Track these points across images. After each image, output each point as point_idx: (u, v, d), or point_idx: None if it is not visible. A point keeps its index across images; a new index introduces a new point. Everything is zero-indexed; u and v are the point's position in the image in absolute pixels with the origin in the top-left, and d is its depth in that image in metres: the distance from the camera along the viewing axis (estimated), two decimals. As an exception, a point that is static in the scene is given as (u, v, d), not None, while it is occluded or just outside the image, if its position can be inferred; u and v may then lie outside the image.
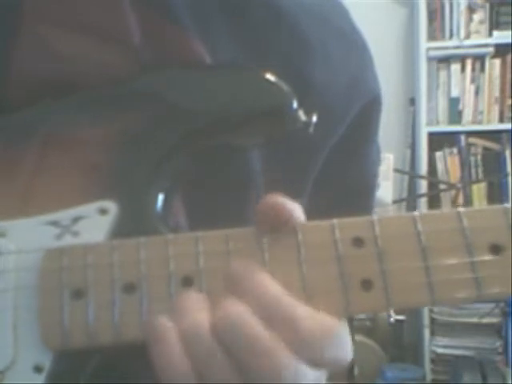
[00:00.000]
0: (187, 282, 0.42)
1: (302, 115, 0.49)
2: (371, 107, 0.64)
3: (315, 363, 0.39)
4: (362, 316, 2.98)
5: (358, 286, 0.41)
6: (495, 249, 0.41)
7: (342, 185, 0.64)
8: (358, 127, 0.62)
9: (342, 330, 0.40)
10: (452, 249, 0.41)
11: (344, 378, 2.60)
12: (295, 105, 0.48)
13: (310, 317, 0.39)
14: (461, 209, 0.42)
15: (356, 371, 2.57)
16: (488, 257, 0.40)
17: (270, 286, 0.40)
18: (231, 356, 0.38)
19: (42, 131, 0.49)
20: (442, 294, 0.40)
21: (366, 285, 0.41)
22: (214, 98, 0.49)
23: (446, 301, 0.41)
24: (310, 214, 0.44)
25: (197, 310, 0.40)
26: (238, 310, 0.39)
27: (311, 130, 0.50)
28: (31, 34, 0.50)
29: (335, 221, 0.42)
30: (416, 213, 0.42)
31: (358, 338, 2.78)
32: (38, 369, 0.42)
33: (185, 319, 0.39)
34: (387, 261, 0.41)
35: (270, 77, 0.49)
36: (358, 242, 0.42)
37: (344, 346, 0.40)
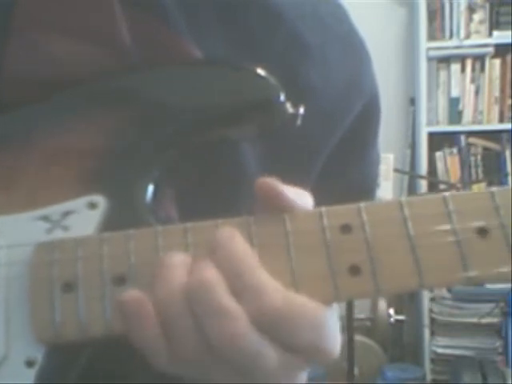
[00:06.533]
0: None
1: (289, 107, 0.49)
2: (370, 108, 0.64)
3: (285, 345, 0.39)
4: (362, 316, 2.99)
5: (346, 272, 0.41)
6: (482, 231, 0.41)
7: (342, 186, 0.64)
8: (357, 128, 0.63)
9: (324, 318, 0.40)
10: (438, 232, 0.41)
11: (344, 378, 2.60)
12: (282, 97, 0.49)
13: (279, 294, 0.40)
14: (447, 193, 0.42)
15: (356, 371, 2.57)
16: (475, 239, 0.41)
17: (248, 257, 0.41)
18: (196, 319, 0.39)
19: (30, 129, 0.49)
20: (430, 277, 0.40)
21: (354, 270, 0.41)
22: (202, 93, 0.49)
23: (434, 284, 0.42)
24: None
25: (175, 272, 0.40)
26: (209, 275, 0.40)
27: (299, 122, 0.50)
28: (22, 35, 0.50)
29: (323, 208, 0.43)
30: (402, 198, 0.42)
31: (358, 338, 2.78)
32: (29, 363, 0.43)
33: (161, 283, 0.40)
34: (375, 246, 0.41)
35: (257, 70, 0.50)
36: (346, 228, 0.42)
37: (326, 334, 0.40)
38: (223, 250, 0.41)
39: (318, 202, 0.59)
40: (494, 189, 0.42)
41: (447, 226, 0.41)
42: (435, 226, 0.41)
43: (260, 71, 0.49)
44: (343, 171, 0.64)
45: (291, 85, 0.49)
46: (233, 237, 0.41)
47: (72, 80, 0.50)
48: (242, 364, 0.39)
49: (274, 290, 0.40)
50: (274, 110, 0.49)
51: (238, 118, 0.50)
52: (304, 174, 0.60)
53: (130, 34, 0.51)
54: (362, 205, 0.42)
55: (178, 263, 0.41)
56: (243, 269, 0.40)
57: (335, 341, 0.40)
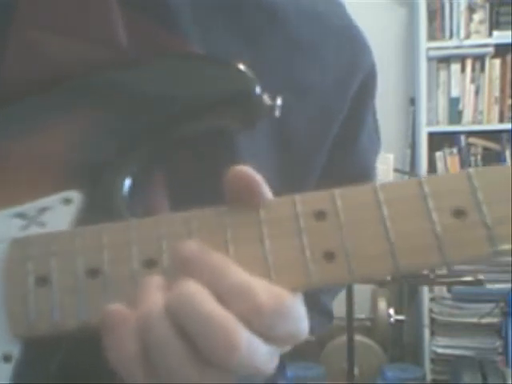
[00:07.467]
0: (150, 264, 0.42)
1: (266, 100, 0.50)
2: (365, 87, 0.64)
3: (268, 336, 0.39)
4: (362, 316, 2.99)
5: (320, 258, 0.41)
6: (458, 213, 0.40)
7: (340, 174, 0.64)
8: (353, 106, 0.63)
9: (296, 304, 0.40)
10: (414, 215, 0.40)
11: (344, 378, 2.60)
12: (258, 89, 0.49)
13: (264, 288, 0.39)
14: (422, 176, 0.41)
15: (356, 371, 2.57)
16: (451, 221, 0.40)
17: (223, 262, 0.40)
18: (184, 336, 0.38)
19: (3, 127, 0.50)
20: (406, 261, 0.40)
21: (329, 257, 0.40)
22: (176, 86, 0.50)
23: (410, 268, 0.40)
24: None
25: (153, 294, 0.40)
26: (190, 288, 0.39)
27: (277, 113, 0.51)
28: (20, 35, 0.50)
29: (297, 195, 0.42)
30: (377, 183, 0.42)
31: (358, 338, 2.78)
32: (6, 358, 0.43)
33: (140, 304, 0.40)
34: (349, 232, 0.41)
35: (233, 63, 0.50)
36: (320, 215, 0.41)
37: (297, 320, 0.40)
38: (195, 263, 0.40)
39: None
40: (471, 169, 0.41)
41: (422, 209, 0.40)
42: (410, 209, 0.40)
43: (237, 64, 0.50)
44: (341, 158, 0.64)
45: (292, 82, 0.50)
46: (199, 247, 0.41)
47: (69, 79, 0.50)
48: (239, 368, 0.39)
49: (261, 286, 0.39)
50: (250, 102, 0.50)
51: (213, 109, 0.50)
52: (307, 170, 0.60)
53: (127, 33, 0.51)
54: (336, 191, 0.42)
55: (155, 284, 0.40)
56: (223, 273, 0.40)
57: (305, 326, 0.40)
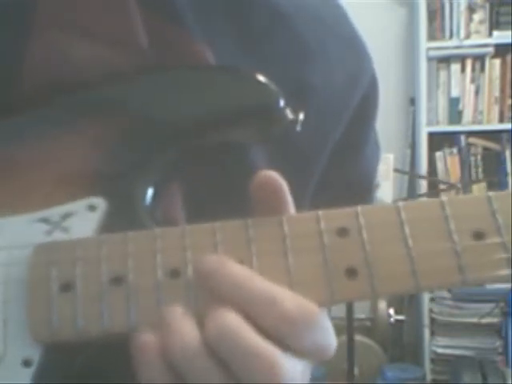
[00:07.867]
0: (174, 274, 0.42)
1: (289, 113, 0.49)
2: (367, 101, 0.64)
3: (297, 347, 0.39)
4: (362, 316, 2.99)
5: (342, 275, 0.41)
6: (478, 235, 0.41)
7: (342, 180, 0.64)
8: (356, 118, 0.63)
9: (322, 315, 0.40)
10: (435, 236, 0.41)
11: (344, 378, 2.60)
12: (282, 103, 0.49)
13: (290, 297, 0.40)
14: (444, 197, 0.43)
15: (356, 371, 2.57)
16: (471, 243, 0.41)
17: (245, 272, 0.41)
18: (226, 367, 0.39)
19: (30, 132, 0.50)
20: (427, 280, 0.41)
21: (351, 273, 0.41)
22: (200, 97, 0.49)
23: (430, 287, 0.42)
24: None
25: (183, 324, 0.40)
26: (228, 320, 0.39)
27: (299, 128, 0.50)
28: (42, 35, 0.50)
29: (320, 211, 0.43)
30: (399, 202, 0.43)
31: (358, 338, 2.79)
32: (26, 363, 0.43)
33: (172, 336, 0.39)
34: (371, 249, 0.41)
35: (256, 75, 0.50)
36: (343, 231, 0.42)
37: (325, 333, 0.40)
38: (216, 275, 0.40)
39: (317, 200, 0.59)
40: (491, 193, 0.42)
41: (444, 230, 0.41)
42: (432, 229, 0.42)
43: (260, 76, 0.49)
44: (343, 164, 0.64)
45: (295, 85, 0.49)
46: (219, 259, 0.41)
47: (91, 81, 0.50)
48: None
49: (286, 295, 0.40)
50: (273, 116, 0.49)
51: (236, 122, 0.50)
52: (309, 174, 0.60)
53: (147, 36, 0.51)
54: (359, 208, 0.43)
55: (179, 313, 0.40)
56: (245, 282, 0.40)
57: (333, 339, 0.41)
